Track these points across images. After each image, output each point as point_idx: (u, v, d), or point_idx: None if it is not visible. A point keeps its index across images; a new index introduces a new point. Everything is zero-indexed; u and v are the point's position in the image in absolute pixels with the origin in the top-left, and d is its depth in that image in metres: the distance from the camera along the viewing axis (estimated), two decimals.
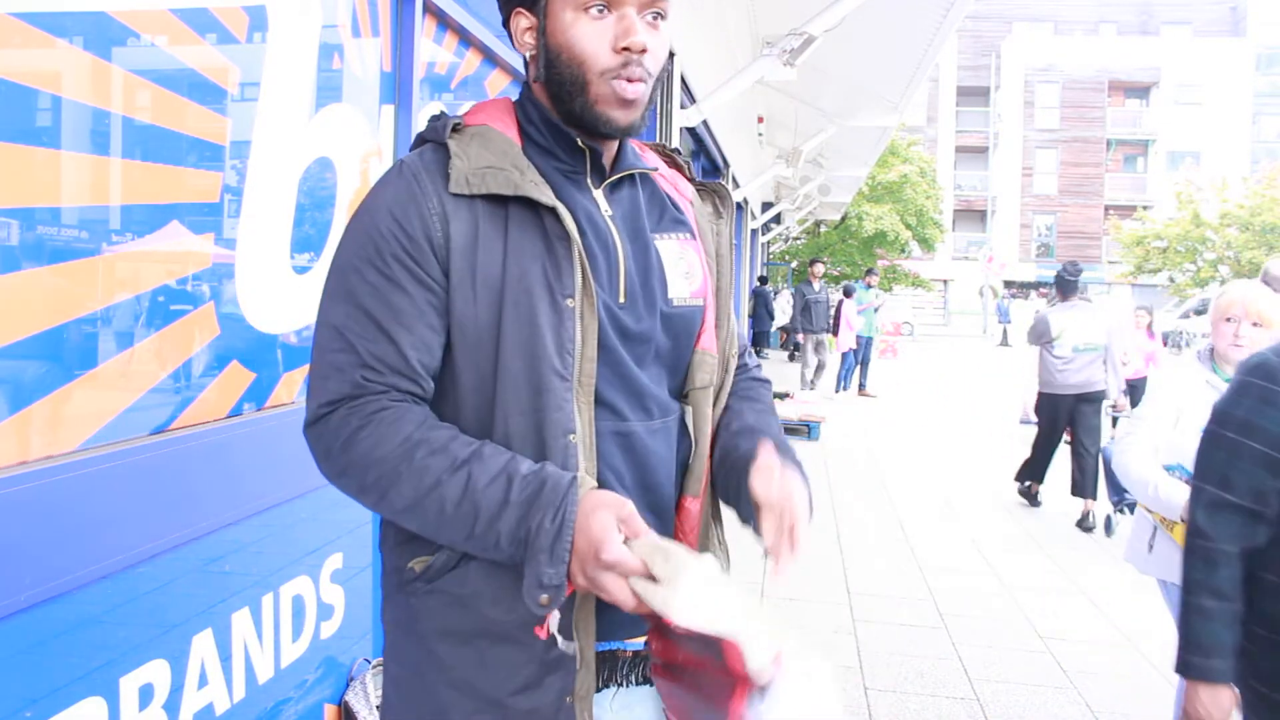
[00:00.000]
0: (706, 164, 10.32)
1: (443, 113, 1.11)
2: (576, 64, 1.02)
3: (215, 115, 1.63)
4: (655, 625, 0.99)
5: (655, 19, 1.04)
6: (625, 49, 1.01)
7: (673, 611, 0.87)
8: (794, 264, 27.66)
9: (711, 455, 1.17)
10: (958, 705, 3.21)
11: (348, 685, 2.12)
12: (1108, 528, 5.69)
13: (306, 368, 1.96)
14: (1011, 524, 5.86)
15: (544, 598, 0.91)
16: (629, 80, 1.02)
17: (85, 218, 1.35)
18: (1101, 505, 5.80)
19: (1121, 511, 5.64)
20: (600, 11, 1.01)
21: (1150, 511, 2.47)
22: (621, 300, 1.06)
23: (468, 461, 0.95)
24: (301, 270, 1.94)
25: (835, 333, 12.31)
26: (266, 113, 1.76)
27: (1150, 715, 3.19)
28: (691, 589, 0.87)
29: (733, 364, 1.21)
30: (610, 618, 1.05)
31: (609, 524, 0.90)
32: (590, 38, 1.01)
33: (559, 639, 0.99)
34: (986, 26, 40.65)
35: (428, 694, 1.05)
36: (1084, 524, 5.75)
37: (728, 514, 1.19)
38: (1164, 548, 2.43)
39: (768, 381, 1.29)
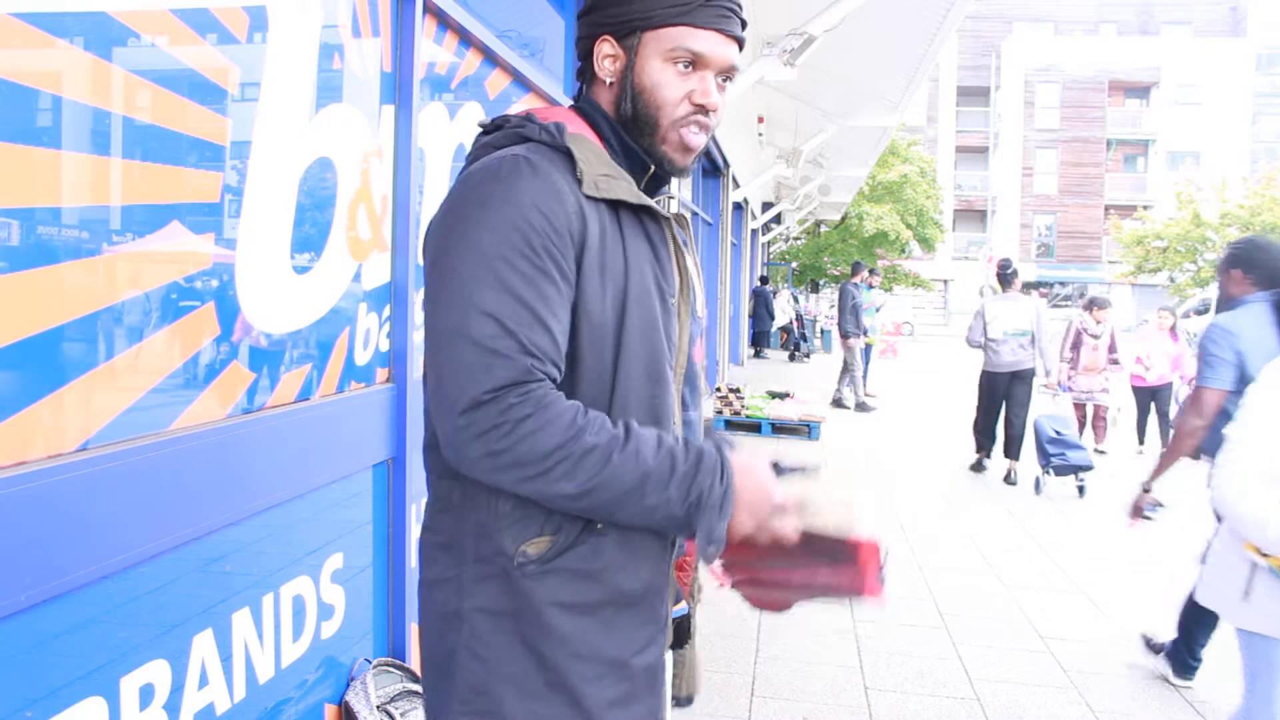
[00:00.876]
0: (707, 164, 10.33)
1: (528, 115, 1.17)
2: (655, 107, 1.15)
3: (215, 115, 1.63)
4: (738, 560, 1.19)
5: (725, 81, 1.19)
6: (701, 105, 1.15)
7: (860, 529, 1.10)
8: (794, 265, 27.66)
9: None
10: (958, 705, 3.21)
11: (348, 685, 2.12)
12: (1036, 486, 6.83)
13: (307, 368, 1.97)
14: (1012, 524, 5.86)
15: (712, 549, 1.05)
16: (700, 131, 1.17)
17: (85, 218, 1.35)
18: (1035, 472, 6.92)
19: (1048, 473, 6.69)
20: (686, 68, 1.15)
21: (1264, 555, 2.00)
22: (700, 314, 1.26)
23: (629, 438, 1.05)
24: (302, 270, 1.94)
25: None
26: (267, 113, 1.76)
27: (1150, 715, 3.19)
28: (867, 511, 1.10)
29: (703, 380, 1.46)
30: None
31: (769, 475, 1.09)
32: (672, 87, 1.15)
33: (718, 572, 1.18)
34: (986, 26, 40.65)
35: (541, 669, 1.11)
36: (1008, 479, 7.13)
37: None
38: (1267, 597, 2.03)
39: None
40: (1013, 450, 7.15)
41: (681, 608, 1.35)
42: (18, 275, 1.22)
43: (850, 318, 11.19)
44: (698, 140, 1.17)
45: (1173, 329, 8.69)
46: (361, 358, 2.21)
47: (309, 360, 1.99)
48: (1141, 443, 8.84)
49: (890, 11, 5.65)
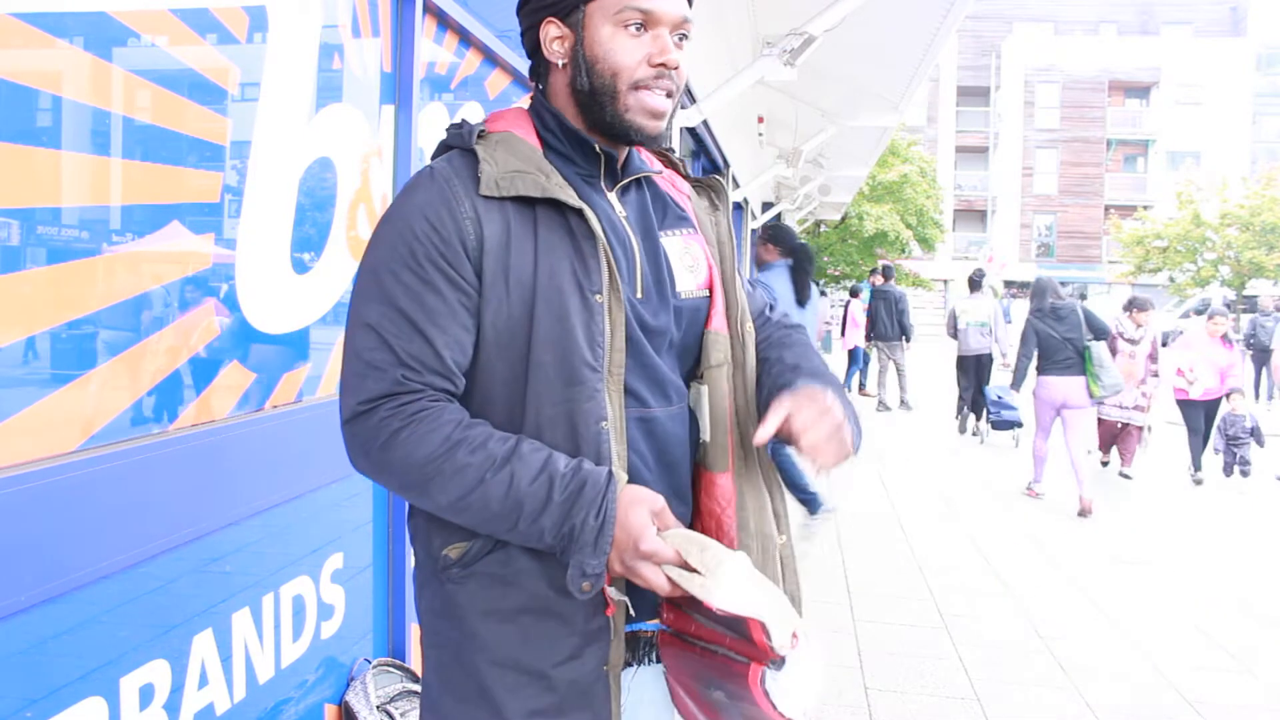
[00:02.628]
0: (706, 164, 10.32)
1: (463, 121, 1.16)
2: (611, 74, 1.10)
3: (215, 115, 1.63)
4: (669, 599, 1.09)
5: (681, 40, 1.13)
6: (661, 64, 1.10)
7: (713, 596, 0.97)
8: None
9: (759, 401, 1.24)
10: (958, 705, 3.21)
11: (348, 685, 2.12)
12: (981, 436, 9.26)
13: (306, 368, 1.96)
14: (1012, 523, 5.86)
15: (586, 584, 1.00)
16: (663, 93, 1.11)
17: (85, 218, 1.35)
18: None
19: (999, 427, 8.87)
20: (637, 30, 1.10)
21: None
22: (639, 295, 1.14)
23: (509, 461, 1.01)
24: (302, 270, 1.94)
25: (843, 333, 12.35)
26: (267, 113, 1.76)
27: (1150, 715, 3.19)
28: (732, 576, 0.97)
29: (750, 339, 1.27)
30: (635, 601, 1.12)
31: (645, 518, 1.00)
32: (627, 51, 1.09)
33: (612, 594, 1.07)
34: (986, 26, 40.63)
35: (469, 675, 1.10)
36: (974, 433, 9.41)
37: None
38: None
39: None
40: (977, 411, 9.39)
41: (652, 623, 1.20)
42: (18, 275, 1.22)
43: (894, 323, 11.03)
44: (662, 103, 1.11)
45: (1224, 337, 7.42)
46: None
47: (309, 360, 1.99)
48: (1198, 469, 7.44)
49: (890, 11, 5.65)
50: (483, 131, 1.13)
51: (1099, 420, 7.48)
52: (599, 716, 1.10)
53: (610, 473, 1.02)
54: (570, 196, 1.08)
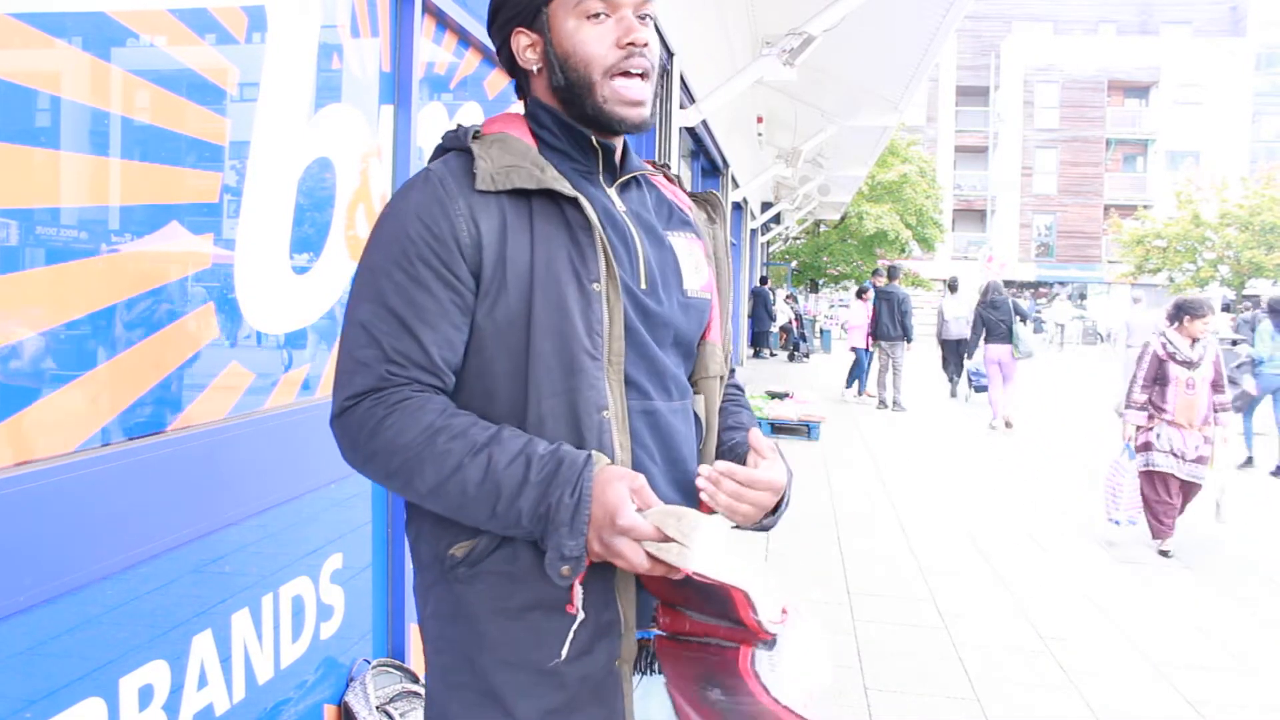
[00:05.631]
0: (706, 164, 10.32)
1: (459, 125, 1.18)
2: (583, 66, 1.11)
3: (215, 115, 1.63)
4: (664, 601, 1.08)
5: (645, 19, 1.14)
6: (630, 44, 1.11)
7: (690, 561, 0.93)
8: (794, 264, 27.65)
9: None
10: (958, 705, 3.21)
11: (347, 686, 2.12)
12: (964, 398, 12.29)
13: (306, 368, 1.97)
14: (1012, 523, 5.87)
15: (565, 569, 0.98)
16: (639, 75, 1.12)
17: (85, 218, 1.35)
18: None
19: (979, 390, 11.97)
20: (599, 17, 1.11)
21: None
22: (643, 286, 1.14)
23: (487, 445, 1.01)
24: (301, 270, 1.94)
25: (846, 333, 12.41)
26: (266, 113, 1.76)
27: (1150, 715, 3.19)
28: (708, 541, 0.94)
29: (729, 359, 1.31)
30: (639, 608, 1.12)
31: (623, 494, 0.98)
32: (594, 40, 1.11)
33: (577, 595, 1.03)
34: (986, 26, 40.64)
35: (477, 677, 1.10)
36: (953, 395, 12.56)
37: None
38: None
39: (741, 387, 1.41)
40: (953, 390, 12.65)
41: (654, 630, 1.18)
42: (18, 275, 1.22)
43: (901, 322, 11.19)
44: (639, 90, 1.12)
45: None
46: None
47: (308, 360, 1.99)
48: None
49: (890, 11, 5.66)
50: (478, 133, 1.15)
51: (1148, 476, 5.11)
52: (612, 712, 1.09)
53: (590, 454, 1.01)
54: (565, 187, 1.09)
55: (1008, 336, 9.99)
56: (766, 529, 1.16)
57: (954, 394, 12.60)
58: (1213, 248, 28.11)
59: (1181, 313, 5.01)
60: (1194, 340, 4.98)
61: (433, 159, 1.17)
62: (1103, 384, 13.00)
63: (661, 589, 1.07)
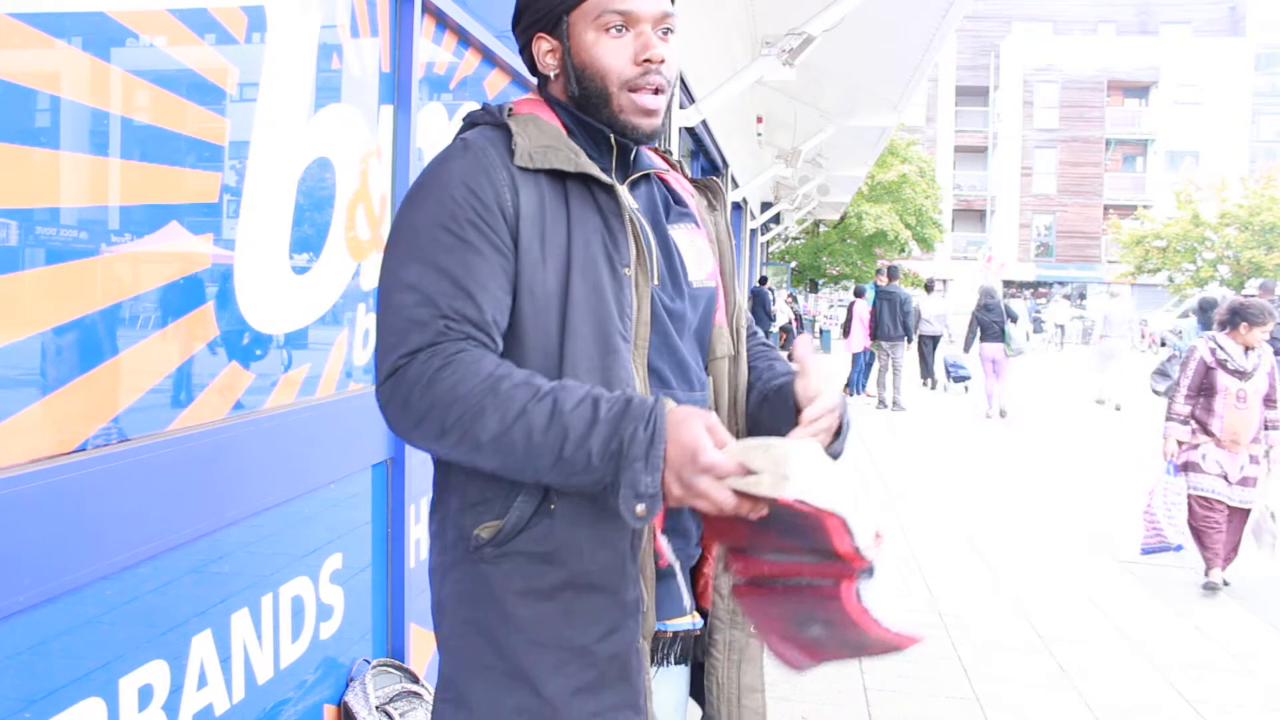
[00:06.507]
0: (706, 164, 10.32)
1: (484, 105, 1.20)
2: (600, 78, 1.13)
3: (214, 115, 1.63)
4: (733, 548, 1.06)
5: (665, 34, 1.15)
6: (647, 60, 1.12)
7: (789, 489, 0.88)
8: (793, 264, 27.64)
9: (747, 408, 1.28)
10: (958, 705, 3.21)
11: (347, 686, 2.12)
12: (943, 388, 13.66)
13: (305, 368, 1.97)
14: (1011, 523, 5.87)
15: (640, 508, 0.93)
16: (653, 90, 1.13)
17: (85, 218, 1.35)
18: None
19: (956, 380, 13.11)
20: (619, 30, 1.12)
21: None
22: (656, 282, 1.16)
23: (551, 391, 0.99)
24: (300, 270, 1.94)
25: (846, 334, 12.38)
26: (265, 113, 1.76)
27: (1150, 715, 3.20)
28: (806, 464, 0.89)
29: (743, 333, 1.31)
30: (658, 600, 1.12)
31: (700, 431, 0.94)
32: (612, 54, 1.12)
33: (663, 544, 1.02)
34: (986, 26, 40.64)
35: (503, 658, 1.09)
36: (931, 387, 13.91)
37: None
38: None
39: (769, 342, 1.42)
40: (931, 380, 13.96)
41: (693, 621, 1.19)
42: (18, 275, 1.22)
43: (902, 321, 11.51)
44: (654, 101, 1.14)
45: None
46: (361, 358, 2.21)
47: (308, 360, 1.99)
48: None
49: (889, 11, 5.66)
50: (510, 110, 1.16)
51: (1195, 501, 4.57)
52: (634, 688, 1.10)
53: (658, 395, 1.01)
54: (600, 173, 1.11)
55: (1000, 336, 10.93)
56: (835, 457, 1.13)
57: (931, 386, 13.82)
58: (1212, 248, 28.10)
59: (1238, 318, 4.47)
60: (1248, 349, 4.46)
61: (461, 132, 1.18)
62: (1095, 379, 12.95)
63: (731, 532, 1.03)
